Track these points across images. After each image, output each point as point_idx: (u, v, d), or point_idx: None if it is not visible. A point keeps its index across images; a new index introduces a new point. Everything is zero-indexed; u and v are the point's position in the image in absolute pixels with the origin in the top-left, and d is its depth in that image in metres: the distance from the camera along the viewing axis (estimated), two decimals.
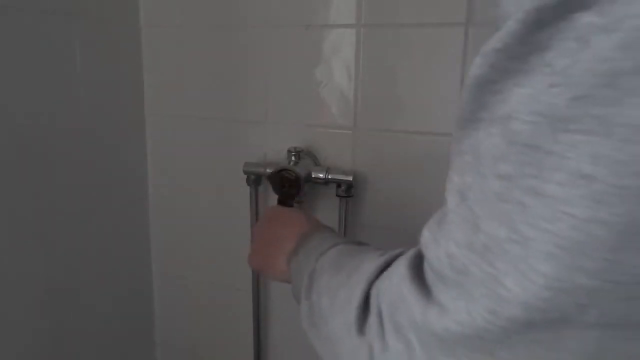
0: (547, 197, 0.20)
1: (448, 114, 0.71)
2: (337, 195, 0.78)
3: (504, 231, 0.21)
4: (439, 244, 0.25)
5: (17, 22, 0.66)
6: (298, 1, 0.77)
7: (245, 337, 0.93)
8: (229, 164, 0.87)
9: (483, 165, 0.22)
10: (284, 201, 0.77)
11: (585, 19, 0.18)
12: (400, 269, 0.28)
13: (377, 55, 0.74)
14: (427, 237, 0.27)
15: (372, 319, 0.29)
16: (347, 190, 0.77)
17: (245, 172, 0.83)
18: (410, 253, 0.29)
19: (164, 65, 0.90)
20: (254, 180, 0.83)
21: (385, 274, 0.30)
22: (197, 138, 0.90)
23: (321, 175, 0.77)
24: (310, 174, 0.77)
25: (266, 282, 0.91)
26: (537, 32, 0.20)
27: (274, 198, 0.78)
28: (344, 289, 0.35)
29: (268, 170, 0.79)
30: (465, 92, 0.23)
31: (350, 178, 0.76)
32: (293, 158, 0.78)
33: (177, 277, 0.99)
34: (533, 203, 0.20)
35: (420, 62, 0.72)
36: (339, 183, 0.77)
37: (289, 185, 0.75)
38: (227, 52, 0.84)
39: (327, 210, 0.82)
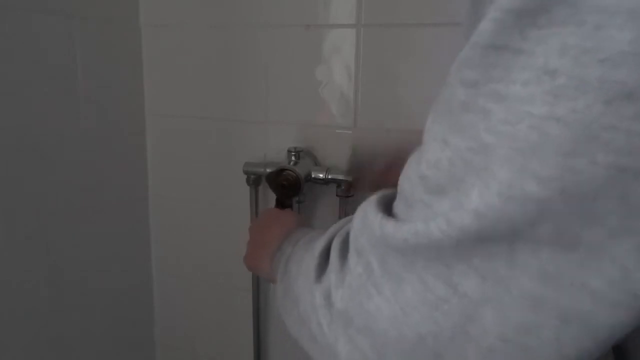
0: (510, 99, 0.18)
1: None
2: (337, 195, 0.77)
3: (466, 142, 0.20)
4: (411, 166, 0.24)
5: (17, 22, 0.66)
6: (298, 1, 0.77)
7: (245, 337, 0.93)
8: (229, 164, 0.87)
9: (451, 74, 0.21)
10: (282, 201, 0.77)
11: None
12: (371, 198, 0.27)
13: (377, 55, 0.74)
14: (407, 165, 0.25)
15: (333, 255, 0.28)
16: (347, 190, 0.77)
17: (245, 172, 0.83)
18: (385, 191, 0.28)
19: (164, 65, 0.90)
20: (254, 180, 0.83)
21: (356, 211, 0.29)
22: (197, 138, 0.90)
23: (321, 175, 0.77)
24: (310, 174, 0.77)
25: (266, 282, 0.91)
26: None
27: (274, 198, 0.78)
28: (308, 252, 0.34)
29: (268, 170, 0.79)
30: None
31: (350, 178, 0.76)
32: (293, 158, 0.78)
33: (177, 277, 0.99)
34: (496, 108, 0.18)
35: (420, 62, 0.72)
36: (339, 183, 0.77)
37: (288, 185, 0.75)
38: (227, 52, 0.84)
39: (327, 210, 0.82)
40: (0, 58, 0.64)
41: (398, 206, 0.24)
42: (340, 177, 0.76)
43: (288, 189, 0.75)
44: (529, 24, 0.18)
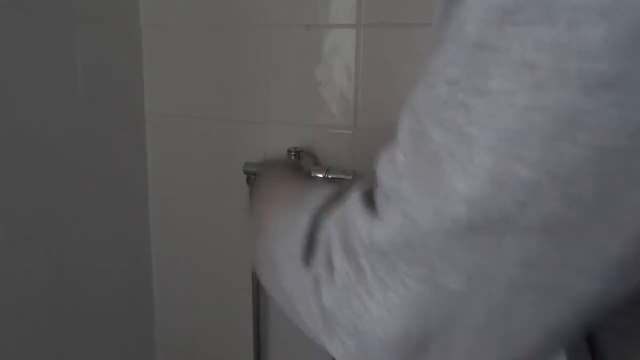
0: (491, 93, 0.19)
1: None
2: None
3: (450, 136, 0.21)
4: (388, 158, 0.25)
5: (17, 22, 0.66)
6: (298, 1, 0.77)
7: (245, 337, 0.93)
8: (229, 164, 0.87)
9: (433, 75, 0.22)
10: None
11: None
12: (352, 195, 0.27)
13: (377, 55, 0.74)
14: (381, 157, 0.26)
15: (320, 248, 0.28)
16: None
17: (245, 172, 0.83)
18: (364, 180, 0.28)
19: (164, 65, 0.90)
20: (254, 180, 0.83)
21: (337, 203, 0.29)
22: (197, 138, 0.90)
23: (321, 175, 0.77)
24: (310, 174, 0.77)
25: None
26: None
27: None
28: (287, 219, 0.33)
29: None
30: (435, 6, 0.23)
31: (350, 178, 0.76)
32: (293, 158, 0.78)
33: (177, 277, 0.99)
34: (476, 102, 0.20)
35: (420, 62, 0.72)
36: (339, 183, 0.77)
37: None
38: (227, 52, 0.84)
39: None
40: (0, 58, 0.64)
41: (380, 201, 0.25)
42: (340, 177, 0.76)
43: None
44: (507, 21, 0.19)
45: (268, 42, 0.81)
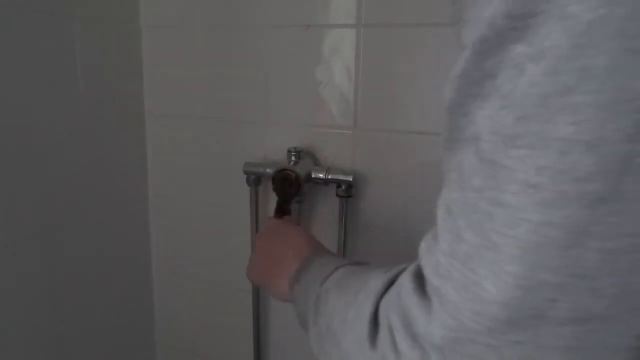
0: (506, 206, 0.22)
1: None
2: (337, 195, 0.77)
3: (478, 239, 0.24)
4: (431, 255, 0.27)
5: (17, 22, 0.66)
6: (298, 1, 0.77)
7: (245, 337, 0.93)
8: (229, 164, 0.87)
9: (463, 181, 0.25)
10: (282, 205, 0.76)
11: (519, 49, 0.21)
12: (405, 282, 0.30)
13: (377, 55, 0.74)
14: (422, 249, 0.29)
15: (383, 332, 0.31)
16: (347, 190, 0.77)
17: (245, 172, 0.83)
18: (413, 266, 0.30)
19: (164, 65, 0.90)
20: (254, 180, 0.83)
21: (392, 288, 0.32)
22: (197, 138, 0.90)
23: (321, 175, 0.77)
24: (310, 174, 0.77)
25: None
26: (484, 60, 0.23)
27: (274, 198, 0.78)
28: (352, 308, 0.36)
29: (268, 170, 0.79)
30: (444, 116, 0.26)
31: (350, 178, 0.76)
32: (293, 158, 0.78)
33: (177, 277, 0.99)
34: (496, 212, 0.23)
35: (420, 62, 0.72)
36: (339, 183, 0.77)
37: (289, 185, 0.75)
38: (227, 52, 0.84)
39: (327, 210, 0.82)
40: (0, 58, 0.64)
41: (430, 293, 0.27)
42: (340, 177, 0.76)
43: (288, 189, 0.75)
44: (509, 145, 0.22)
45: (268, 42, 0.81)
